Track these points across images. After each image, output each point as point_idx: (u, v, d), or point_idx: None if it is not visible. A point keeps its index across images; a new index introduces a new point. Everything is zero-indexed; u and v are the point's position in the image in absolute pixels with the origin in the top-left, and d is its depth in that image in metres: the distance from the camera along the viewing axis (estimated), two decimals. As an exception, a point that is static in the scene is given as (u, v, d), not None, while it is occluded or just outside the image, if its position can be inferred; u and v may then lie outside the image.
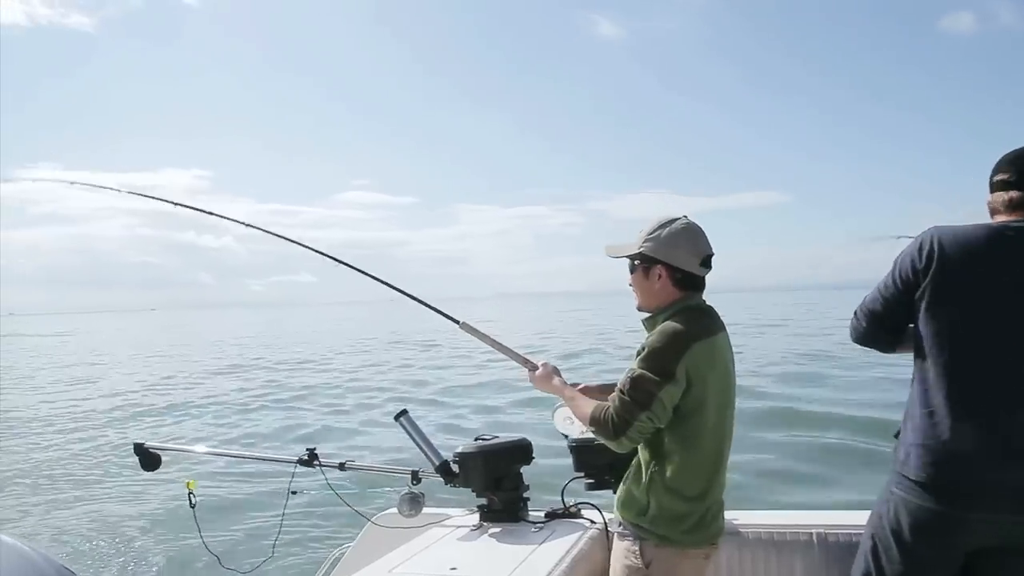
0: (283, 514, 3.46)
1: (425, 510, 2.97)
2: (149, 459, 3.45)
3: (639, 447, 2.26)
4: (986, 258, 2.01)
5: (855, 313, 2.28)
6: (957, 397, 1.99)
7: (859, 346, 2.34)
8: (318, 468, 3.19)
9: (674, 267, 2.24)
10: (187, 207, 3.37)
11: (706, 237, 2.28)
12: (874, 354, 2.39)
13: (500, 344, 2.74)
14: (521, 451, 3.05)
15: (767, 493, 7.50)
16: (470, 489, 3.01)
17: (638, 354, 2.20)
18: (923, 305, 2.05)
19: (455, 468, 3.00)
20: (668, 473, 2.20)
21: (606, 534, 2.77)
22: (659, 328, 2.20)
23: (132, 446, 3.52)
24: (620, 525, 2.32)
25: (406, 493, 2.97)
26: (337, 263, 3.03)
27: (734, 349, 2.37)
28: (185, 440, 12.38)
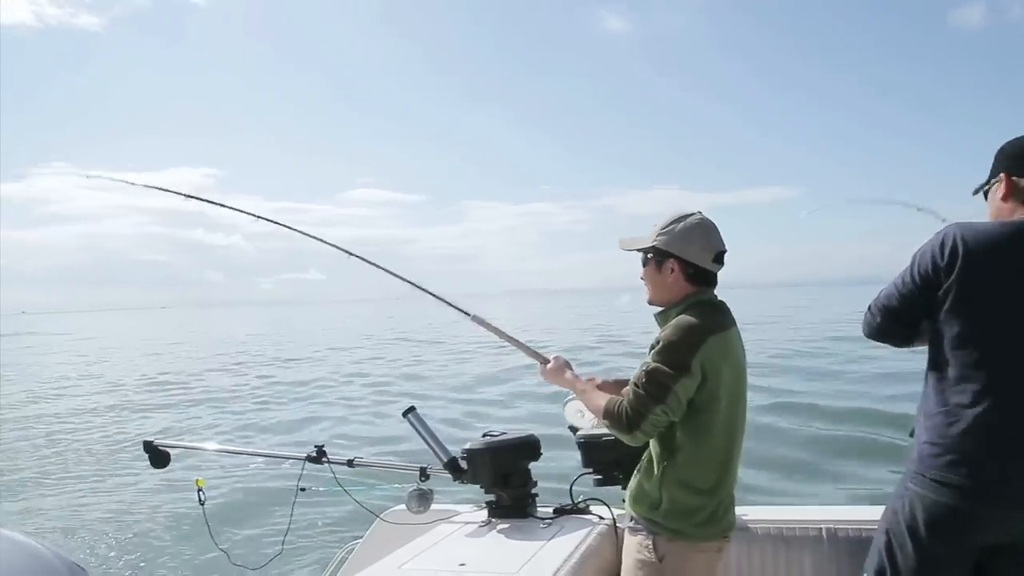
0: (292, 511, 3.46)
1: (434, 506, 2.97)
2: (159, 456, 3.46)
3: (651, 441, 2.26)
4: (1011, 255, 2.00)
5: (869, 308, 2.26)
6: (980, 395, 1.97)
7: (872, 341, 2.33)
8: (327, 465, 3.19)
9: (687, 262, 2.25)
10: (212, 202, 3.33)
11: (719, 233, 2.30)
12: (877, 349, 2.38)
13: (511, 337, 2.73)
14: (529, 447, 3.05)
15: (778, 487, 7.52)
16: (478, 485, 3.01)
17: (652, 348, 2.20)
18: (946, 303, 2.03)
19: (463, 464, 3.00)
20: (680, 467, 2.20)
21: (615, 530, 2.77)
22: (674, 322, 2.21)
23: (142, 444, 3.53)
24: (632, 520, 2.32)
25: (415, 489, 2.97)
26: (348, 255, 3.01)
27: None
28: (195, 437, 12.42)
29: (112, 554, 6.97)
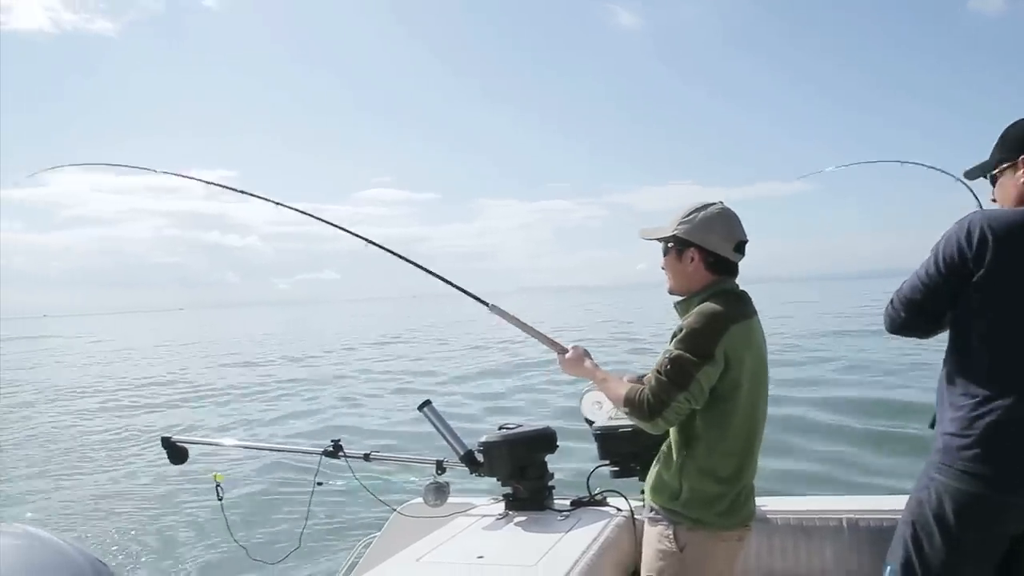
0: (309, 505, 3.48)
1: (450, 499, 2.97)
2: (177, 452, 3.48)
3: (670, 430, 2.25)
4: None
5: (891, 303, 2.22)
6: (1009, 385, 1.95)
7: (895, 335, 2.30)
8: (343, 459, 3.20)
9: (707, 251, 2.24)
10: (235, 190, 3.34)
11: (740, 223, 2.29)
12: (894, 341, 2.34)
13: (529, 327, 2.72)
14: (545, 440, 3.04)
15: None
16: (495, 478, 3.01)
17: (674, 336, 2.19)
18: (975, 292, 2.00)
19: (480, 457, 2.99)
20: (700, 456, 2.19)
21: (633, 522, 2.76)
22: (697, 309, 2.19)
23: (160, 440, 3.55)
24: (652, 511, 2.31)
25: (431, 483, 2.96)
26: (367, 243, 3.01)
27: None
28: (212, 433, 12.52)
29: (132, 550, 7.03)
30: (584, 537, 2.57)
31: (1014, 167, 2.10)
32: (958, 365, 2.07)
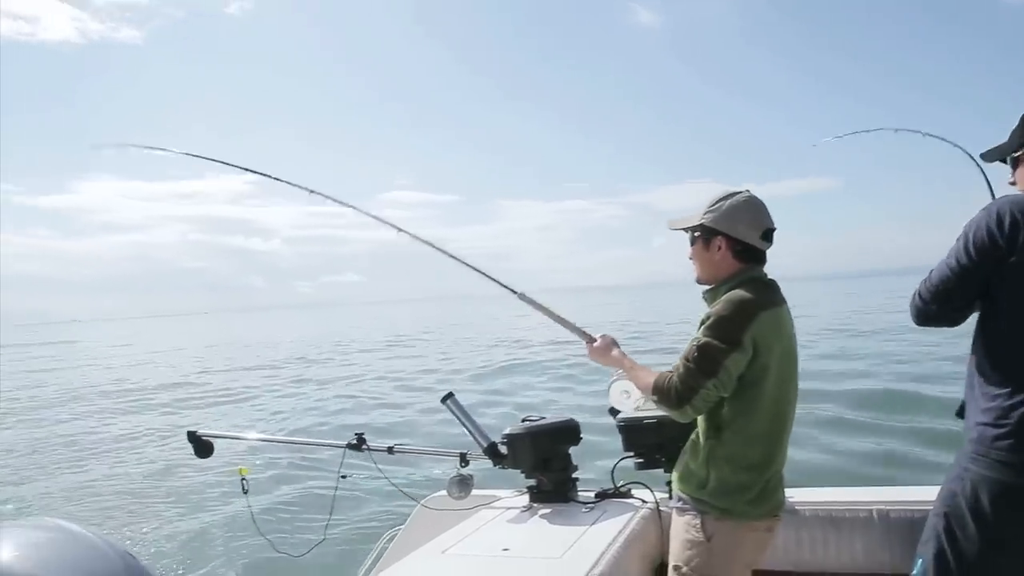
0: (334, 498, 3.49)
1: (474, 492, 2.97)
2: (202, 447, 3.50)
3: (698, 419, 2.24)
4: None
5: (918, 294, 2.18)
6: None
7: (923, 327, 2.26)
8: (367, 452, 3.20)
9: (735, 239, 2.23)
10: (269, 176, 3.35)
11: (768, 211, 2.27)
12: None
13: (558, 316, 2.71)
14: (569, 431, 3.03)
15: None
16: (519, 470, 3.00)
17: (702, 323, 2.17)
18: (1008, 278, 1.96)
19: (503, 450, 2.98)
20: (727, 444, 2.17)
21: (658, 513, 2.74)
22: (725, 296, 2.18)
23: (186, 434, 3.57)
24: (679, 500, 2.29)
25: (455, 475, 2.96)
26: (398, 231, 3.02)
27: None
28: (237, 428, 12.64)
29: (159, 543, 7.11)
30: (610, 529, 2.55)
31: None
32: (990, 353, 2.03)
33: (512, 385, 16.31)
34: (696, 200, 2.37)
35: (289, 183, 3.26)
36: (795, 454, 2.36)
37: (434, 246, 2.96)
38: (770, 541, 2.33)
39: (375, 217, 3.12)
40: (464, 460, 3.07)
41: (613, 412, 2.98)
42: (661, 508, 2.74)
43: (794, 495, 2.71)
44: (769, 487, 2.22)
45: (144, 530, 7.58)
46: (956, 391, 2.20)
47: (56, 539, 1.01)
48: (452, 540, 2.58)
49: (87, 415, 16.28)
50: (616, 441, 2.96)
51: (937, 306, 2.13)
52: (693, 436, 2.29)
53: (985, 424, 1.98)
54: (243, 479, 3.40)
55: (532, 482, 2.98)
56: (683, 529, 2.24)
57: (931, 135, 3.25)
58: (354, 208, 3.16)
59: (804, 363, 2.33)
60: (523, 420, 3.06)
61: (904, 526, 2.54)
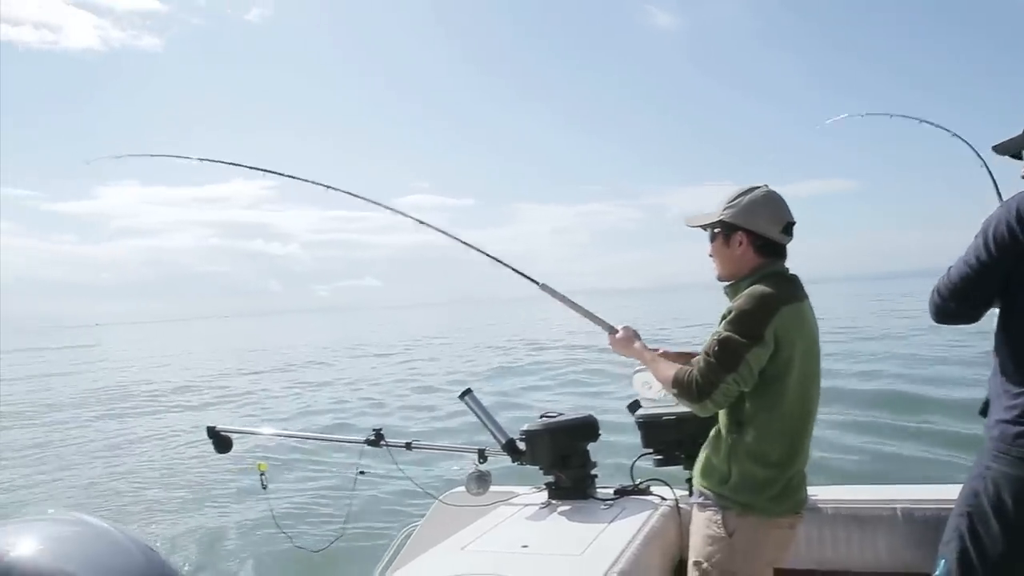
0: (352, 494, 3.50)
1: (492, 488, 2.96)
2: (222, 442, 3.52)
3: (719, 414, 2.22)
4: None
5: (936, 291, 2.15)
6: None
7: (942, 324, 2.23)
8: (385, 448, 3.21)
9: (755, 233, 2.21)
10: (292, 176, 3.37)
11: (787, 205, 2.24)
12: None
13: (579, 307, 2.71)
14: (587, 428, 3.01)
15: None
16: (537, 467, 2.99)
17: (723, 318, 2.15)
18: None
19: (521, 446, 2.97)
20: (750, 439, 2.15)
21: (678, 510, 2.72)
22: (747, 291, 2.16)
23: (205, 429, 3.59)
24: (700, 495, 2.27)
25: (473, 471, 2.96)
26: (419, 223, 3.04)
27: None
28: (256, 424, 12.74)
29: (179, 538, 7.17)
30: (629, 526, 2.54)
31: None
32: (1013, 351, 2.00)
33: (527, 386, 16.30)
34: (712, 201, 2.35)
35: (305, 180, 3.29)
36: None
37: (460, 240, 2.98)
38: (793, 539, 2.30)
39: (401, 212, 3.12)
40: (482, 456, 3.06)
41: (632, 408, 2.97)
42: (681, 505, 2.72)
43: (816, 493, 2.68)
44: (792, 484, 2.19)
45: (163, 525, 7.65)
46: (967, 393, 2.17)
47: (78, 533, 1.01)
48: (471, 536, 2.57)
49: (108, 415, 16.46)
50: (634, 439, 2.94)
51: (956, 303, 2.11)
52: (714, 431, 2.27)
53: (1007, 422, 1.95)
54: (262, 475, 3.42)
55: (550, 479, 2.96)
56: (704, 525, 2.22)
57: (957, 136, 3.21)
58: (375, 203, 3.16)
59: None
60: (541, 416, 3.04)
61: (929, 525, 2.50)
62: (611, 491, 2.94)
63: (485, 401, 3.15)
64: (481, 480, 2.94)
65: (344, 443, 3.64)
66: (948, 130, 3.19)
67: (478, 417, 3.08)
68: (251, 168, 3.34)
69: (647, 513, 2.67)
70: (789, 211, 2.24)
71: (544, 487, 2.99)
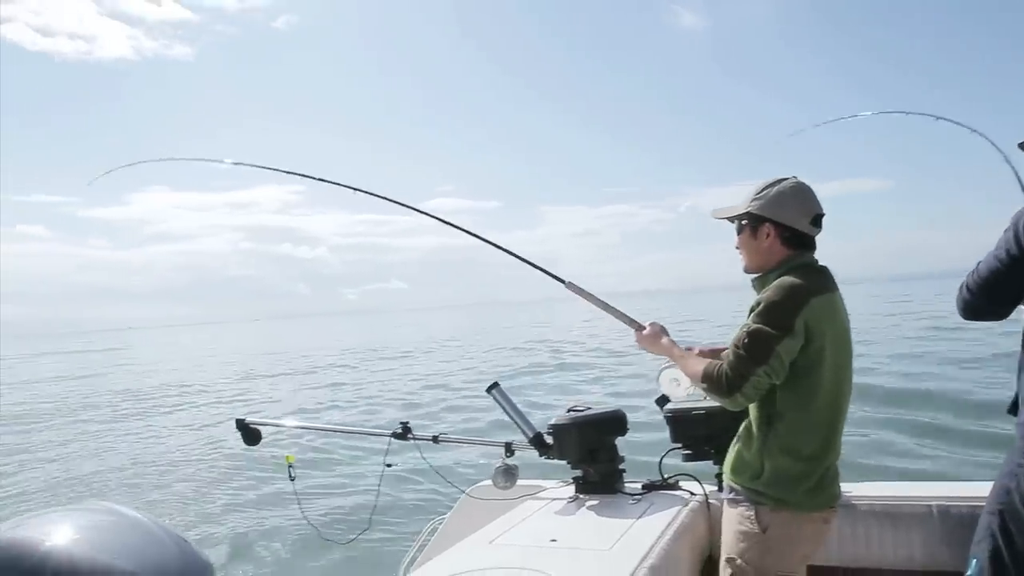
0: (379, 486, 3.51)
1: (519, 482, 2.94)
2: (250, 434, 3.54)
3: (750, 408, 2.18)
4: None
5: (965, 287, 2.12)
6: None
7: (970, 321, 2.20)
8: (412, 441, 3.20)
9: (783, 225, 2.17)
10: (320, 179, 3.40)
11: (815, 196, 2.21)
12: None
13: (606, 304, 2.69)
14: (616, 422, 2.98)
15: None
16: (565, 461, 2.96)
17: (752, 310, 2.12)
18: None
19: (549, 440, 2.95)
20: (782, 433, 2.11)
21: (707, 506, 2.69)
22: (776, 283, 2.12)
23: (235, 422, 3.62)
24: (731, 491, 2.24)
25: (500, 465, 2.94)
26: (443, 223, 3.05)
27: None
28: (284, 416, 12.88)
29: (208, 531, 7.27)
30: (658, 522, 2.51)
31: None
32: None
33: (552, 385, 16.26)
34: (739, 199, 2.31)
35: (334, 183, 3.31)
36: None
37: (491, 242, 2.97)
38: (827, 533, 2.26)
39: (425, 213, 3.11)
40: (509, 450, 3.04)
41: (660, 403, 2.93)
42: (710, 500, 2.69)
43: (850, 489, 2.63)
44: (827, 478, 2.16)
45: (193, 516, 7.76)
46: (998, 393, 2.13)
47: (113, 523, 1.03)
48: (499, 530, 2.56)
49: (142, 411, 16.76)
50: (662, 435, 2.91)
51: (985, 299, 2.07)
52: (745, 425, 2.24)
53: None
54: (290, 467, 3.44)
55: (578, 473, 2.94)
56: (736, 521, 2.19)
57: (976, 132, 3.15)
58: (407, 207, 3.17)
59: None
60: (569, 411, 3.02)
61: (965, 522, 2.44)
62: (639, 486, 2.91)
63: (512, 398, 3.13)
64: (508, 474, 2.92)
65: (372, 435, 3.65)
66: (967, 127, 3.13)
67: (505, 411, 3.06)
68: (282, 172, 3.36)
69: (676, 508, 2.64)
70: (818, 203, 2.20)
71: (571, 481, 2.97)
